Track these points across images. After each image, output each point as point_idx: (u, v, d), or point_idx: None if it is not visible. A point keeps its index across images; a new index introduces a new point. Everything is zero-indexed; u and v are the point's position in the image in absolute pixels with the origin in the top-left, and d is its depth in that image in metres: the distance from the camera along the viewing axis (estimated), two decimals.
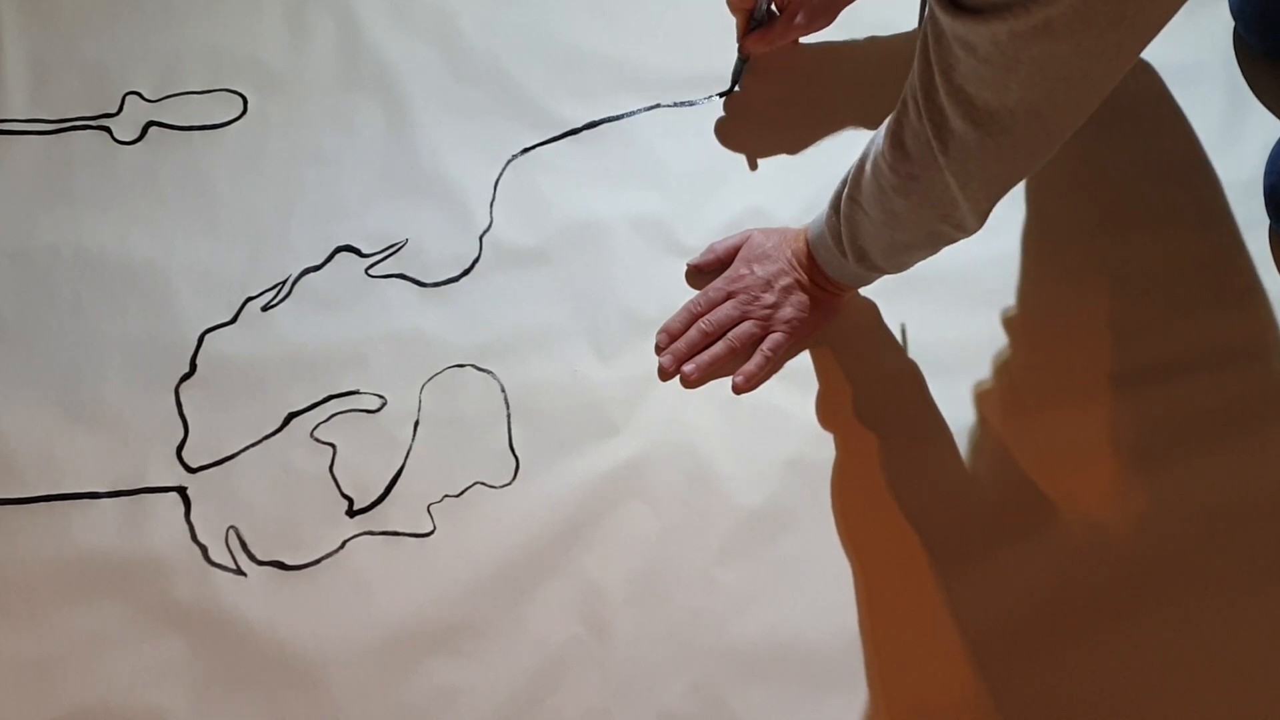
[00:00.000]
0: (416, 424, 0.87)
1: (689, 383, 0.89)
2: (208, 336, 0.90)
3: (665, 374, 0.90)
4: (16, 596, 0.80)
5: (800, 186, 0.97)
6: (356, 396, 0.88)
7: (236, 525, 0.83)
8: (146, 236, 0.93)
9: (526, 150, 0.98)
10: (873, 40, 1.04)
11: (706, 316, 0.91)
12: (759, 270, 0.90)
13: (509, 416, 0.87)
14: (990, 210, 0.73)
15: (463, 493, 0.85)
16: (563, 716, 0.78)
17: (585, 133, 0.99)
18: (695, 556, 0.83)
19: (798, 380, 0.90)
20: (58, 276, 0.92)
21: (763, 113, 1.01)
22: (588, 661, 0.80)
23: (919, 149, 0.68)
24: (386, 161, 0.97)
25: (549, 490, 0.85)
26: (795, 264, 0.89)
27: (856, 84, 1.02)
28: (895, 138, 0.70)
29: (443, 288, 0.92)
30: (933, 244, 0.78)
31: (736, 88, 1.01)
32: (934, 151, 0.67)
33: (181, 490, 0.84)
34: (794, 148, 1.00)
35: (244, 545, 0.82)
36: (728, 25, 1.00)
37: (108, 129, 0.98)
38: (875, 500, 0.86)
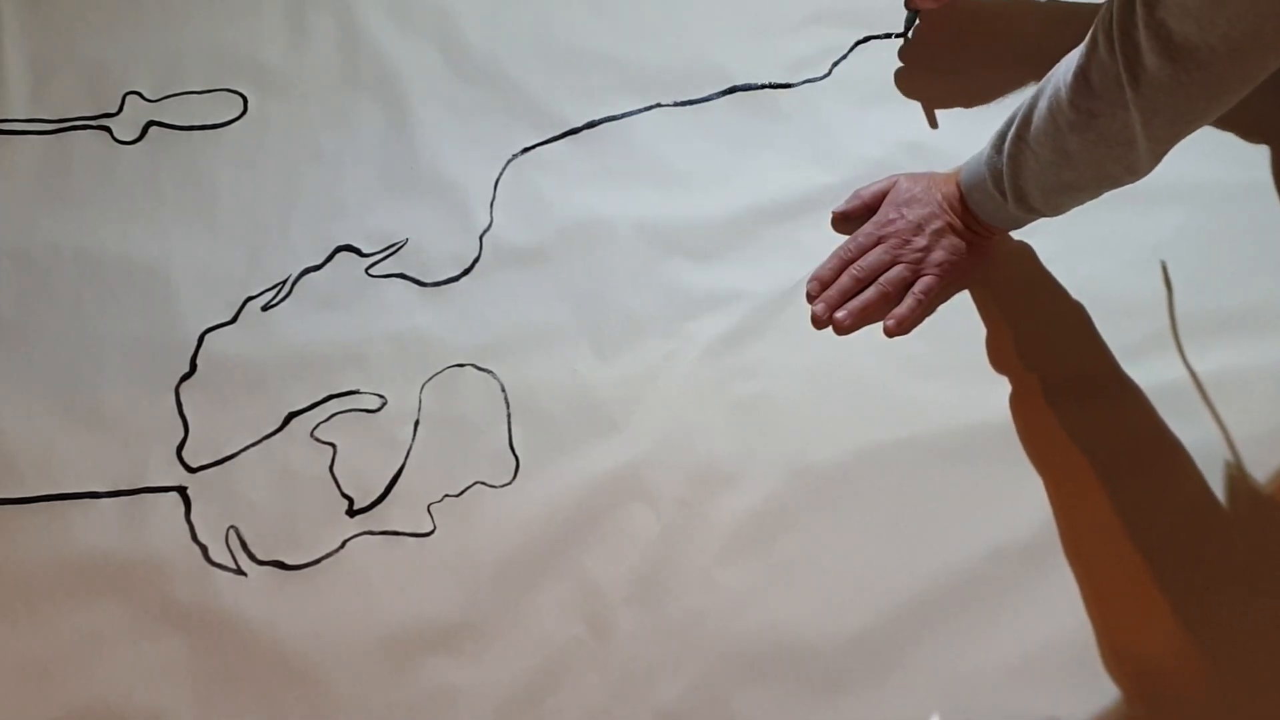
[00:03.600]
0: (416, 424, 0.87)
1: (842, 329, 0.90)
2: (208, 336, 0.90)
3: (819, 322, 0.90)
4: (16, 596, 0.80)
5: (811, 172, 0.97)
6: (356, 396, 0.88)
7: (236, 525, 0.83)
8: (146, 236, 0.93)
9: (526, 150, 0.98)
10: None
11: (858, 262, 0.91)
12: (909, 214, 0.90)
13: (509, 416, 0.87)
14: (1165, 154, 0.73)
15: (463, 492, 0.85)
16: (563, 716, 0.78)
17: (585, 133, 0.99)
18: (695, 556, 0.83)
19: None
20: (58, 276, 0.92)
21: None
22: (588, 661, 0.79)
23: (1106, 85, 0.68)
24: (386, 161, 0.97)
25: (549, 490, 0.84)
26: (946, 207, 0.89)
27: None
28: (1081, 73, 0.70)
29: (443, 287, 0.92)
30: (1098, 186, 0.78)
31: (909, 35, 1.02)
32: (1122, 87, 0.67)
33: (181, 490, 0.84)
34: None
35: (244, 545, 0.82)
36: (728, 25, 1.00)
37: (108, 129, 0.98)
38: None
